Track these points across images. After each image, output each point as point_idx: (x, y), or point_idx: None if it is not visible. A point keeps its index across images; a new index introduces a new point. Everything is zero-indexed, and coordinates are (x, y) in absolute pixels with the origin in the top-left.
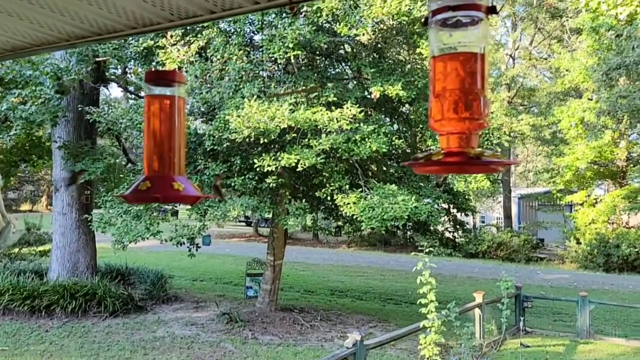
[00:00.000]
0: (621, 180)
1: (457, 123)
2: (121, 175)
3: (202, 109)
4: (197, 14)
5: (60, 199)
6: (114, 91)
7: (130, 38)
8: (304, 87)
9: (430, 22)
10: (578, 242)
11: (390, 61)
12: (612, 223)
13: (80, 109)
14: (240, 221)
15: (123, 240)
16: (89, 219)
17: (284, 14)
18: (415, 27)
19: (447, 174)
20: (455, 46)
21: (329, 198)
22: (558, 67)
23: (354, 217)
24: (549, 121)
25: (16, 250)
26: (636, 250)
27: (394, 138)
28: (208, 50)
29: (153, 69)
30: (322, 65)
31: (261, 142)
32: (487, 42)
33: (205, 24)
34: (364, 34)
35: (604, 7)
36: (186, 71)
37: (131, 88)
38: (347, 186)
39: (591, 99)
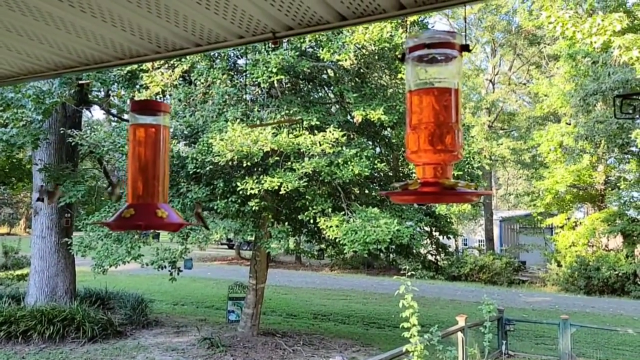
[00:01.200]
0: (600, 203)
1: (433, 155)
2: (102, 199)
3: (186, 132)
4: (184, 46)
5: (39, 222)
6: (96, 113)
7: None
8: (285, 118)
9: (407, 58)
10: (559, 265)
11: (372, 86)
12: (592, 246)
13: (62, 131)
14: (222, 244)
15: (103, 264)
16: (69, 243)
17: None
18: (397, 53)
19: (422, 203)
20: (431, 81)
21: (311, 221)
22: (537, 92)
23: (337, 240)
24: (528, 145)
25: None
26: (616, 273)
27: (376, 161)
28: (192, 74)
29: (138, 99)
30: (305, 89)
31: (244, 165)
32: (460, 78)
33: None
34: (346, 59)
35: (579, 35)
36: (170, 95)
37: (114, 111)
38: (330, 209)
39: (569, 124)
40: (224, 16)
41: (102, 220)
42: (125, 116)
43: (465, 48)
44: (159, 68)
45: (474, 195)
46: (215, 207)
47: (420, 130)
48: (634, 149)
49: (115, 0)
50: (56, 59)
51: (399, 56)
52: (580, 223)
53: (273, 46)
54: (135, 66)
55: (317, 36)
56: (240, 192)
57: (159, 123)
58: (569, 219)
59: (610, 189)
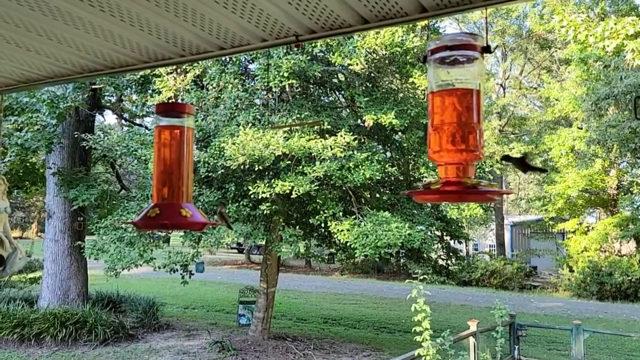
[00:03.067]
0: (612, 208)
1: (455, 154)
2: (114, 202)
3: (197, 136)
4: (208, 50)
5: (52, 225)
6: (109, 118)
7: None
8: (306, 120)
9: (428, 60)
10: (571, 270)
11: (383, 90)
12: (605, 251)
13: (75, 135)
14: (232, 248)
15: (116, 267)
16: (81, 246)
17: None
18: (408, 57)
19: (445, 202)
20: (453, 82)
21: (322, 225)
22: (548, 96)
23: (348, 244)
24: (539, 149)
25: (6, 277)
26: (629, 278)
27: (387, 165)
28: (204, 79)
29: (164, 101)
30: (316, 93)
31: (255, 169)
32: (482, 79)
33: None
34: (357, 64)
35: (591, 39)
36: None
37: (126, 115)
38: (341, 213)
39: (581, 128)
40: (248, 19)
41: (115, 222)
42: (137, 120)
43: (486, 49)
44: (171, 73)
45: (496, 194)
46: (227, 211)
47: (442, 131)
48: None
49: (143, 5)
50: (82, 62)
51: (420, 58)
52: (593, 228)
53: (296, 48)
54: (148, 70)
55: (328, 40)
56: (252, 196)
57: (183, 125)
58: (580, 223)
59: (622, 193)
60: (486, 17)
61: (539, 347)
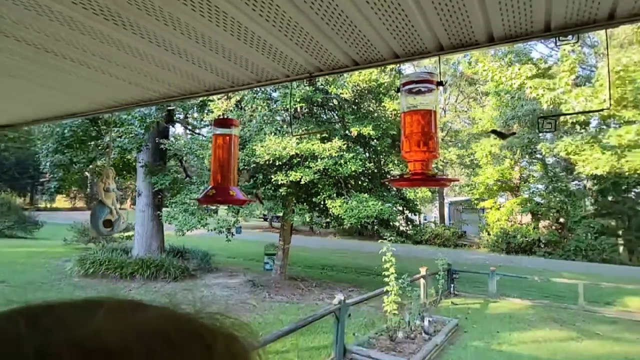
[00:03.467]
0: (516, 192)
1: (420, 154)
2: (181, 186)
3: None
4: (248, 82)
5: (141, 201)
6: (178, 129)
7: None
8: (311, 131)
9: (401, 90)
10: (488, 234)
11: (364, 111)
12: (511, 221)
13: (157, 140)
14: (260, 217)
15: (183, 229)
16: (160, 215)
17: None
18: (381, 89)
19: (413, 187)
20: (417, 105)
21: (321, 202)
22: (474, 117)
23: (339, 215)
24: (468, 152)
25: (113, 235)
26: (527, 239)
27: (366, 162)
28: (242, 102)
29: (219, 117)
30: (318, 113)
31: (276, 164)
32: (437, 103)
33: None
34: (346, 93)
35: (503, 79)
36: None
37: (189, 127)
38: (334, 194)
39: (496, 138)
40: (278, 62)
41: (182, 199)
42: (197, 130)
43: (439, 83)
44: (220, 99)
45: (447, 181)
46: (256, 193)
47: (411, 138)
48: (539, 155)
49: (210, 54)
50: (187, 87)
51: (394, 89)
52: (503, 206)
53: (309, 82)
54: (205, 97)
55: (328, 77)
56: (274, 182)
57: (231, 133)
58: (495, 202)
59: (523, 182)
60: (439, 62)
61: (466, 286)
